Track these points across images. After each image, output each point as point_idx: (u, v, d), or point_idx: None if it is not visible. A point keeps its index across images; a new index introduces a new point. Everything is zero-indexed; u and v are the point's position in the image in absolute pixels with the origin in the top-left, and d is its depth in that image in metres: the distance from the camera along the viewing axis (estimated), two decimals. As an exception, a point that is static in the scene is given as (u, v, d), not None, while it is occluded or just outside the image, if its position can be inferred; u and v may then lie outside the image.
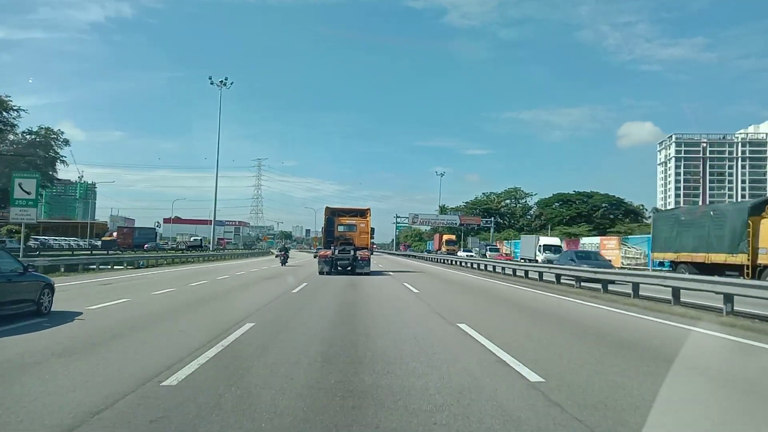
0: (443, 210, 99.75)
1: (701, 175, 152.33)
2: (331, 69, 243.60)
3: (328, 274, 22.26)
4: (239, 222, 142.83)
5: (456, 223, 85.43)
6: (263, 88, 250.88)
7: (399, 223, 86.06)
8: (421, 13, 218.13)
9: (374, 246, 38.28)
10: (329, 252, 23.28)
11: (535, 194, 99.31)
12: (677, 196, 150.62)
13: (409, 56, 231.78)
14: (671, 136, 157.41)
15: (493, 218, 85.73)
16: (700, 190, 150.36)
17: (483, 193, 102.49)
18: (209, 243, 79.78)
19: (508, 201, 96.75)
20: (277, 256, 38.74)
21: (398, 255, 75.80)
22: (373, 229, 26.80)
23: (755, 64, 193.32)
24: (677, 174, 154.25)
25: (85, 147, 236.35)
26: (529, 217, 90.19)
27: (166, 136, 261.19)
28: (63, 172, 59.55)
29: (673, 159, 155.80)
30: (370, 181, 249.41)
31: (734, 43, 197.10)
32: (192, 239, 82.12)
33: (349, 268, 22.95)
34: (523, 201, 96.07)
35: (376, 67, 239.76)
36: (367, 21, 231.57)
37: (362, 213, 26.44)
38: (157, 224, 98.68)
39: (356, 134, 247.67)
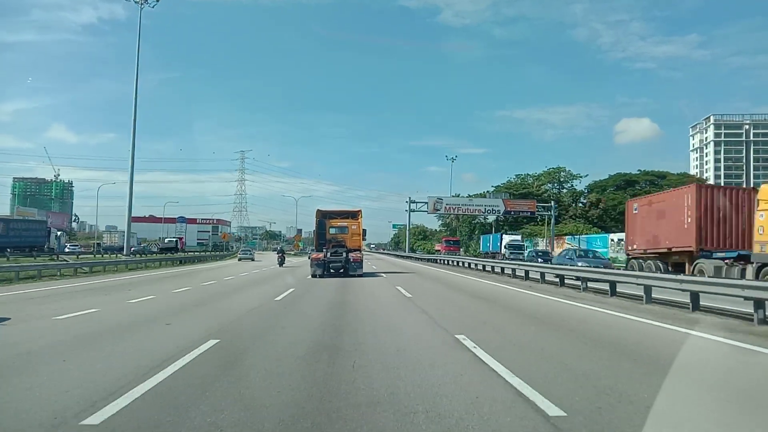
0: (483, 195, 73.34)
1: (744, 160, 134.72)
2: (324, 69, 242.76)
3: (321, 276, 22.17)
4: (217, 220, 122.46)
5: (500, 211, 63.55)
6: (257, 89, 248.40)
7: (415, 209, 63.85)
8: (414, 12, 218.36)
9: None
10: (321, 255, 23.34)
11: (585, 175, 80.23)
12: (717, 183, 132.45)
13: (403, 55, 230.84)
14: (709, 117, 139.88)
15: (553, 203, 63.79)
16: (744, 178, 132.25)
17: (516, 175, 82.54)
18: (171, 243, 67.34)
19: (548, 185, 77.34)
20: (240, 259, 44.51)
21: (412, 259, 57.46)
22: (364, 231, 26.44)
23: (747, 62, 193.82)
24: (716, 160, 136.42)
25: (76, 149, 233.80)
26: (581, 204, 70.90)
27: (161, 138, 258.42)
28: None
29: (712, 144, 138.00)
30: (365, 181, 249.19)
31: (727, 41, 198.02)
32: (166, 240, 72.80)
33: (341, 271, 22.96)
34: (569, 185, 77.07)
35: (370, 67, 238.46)
36: (361, 20, 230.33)
37: (354, 215, 26.46)
38: (74, 219, 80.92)
39: (351, 134, 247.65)
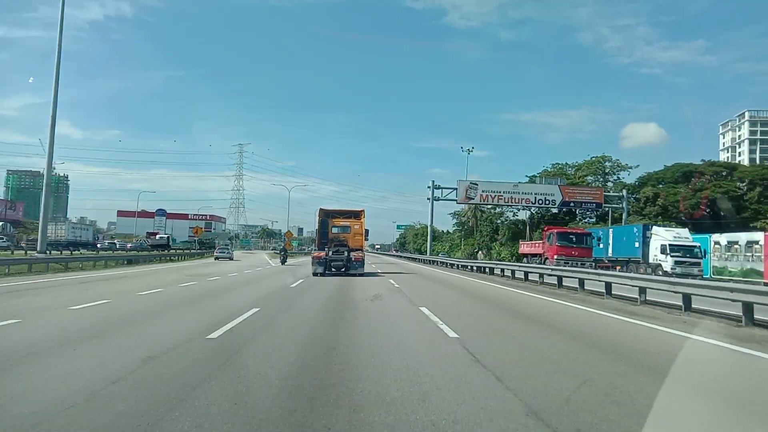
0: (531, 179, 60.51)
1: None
2: (329, 69, 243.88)
3: (321, 275, 22.24)
4: (210, 216, 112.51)
5: (555, 201, 51.26)
6: (261, 89, 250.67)
7: (440, 196, 53.06)
8: (420, 13, 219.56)
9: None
10: (323, 253, 23.38)
11: (636, 166, 68.87)
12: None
13: (408, 57, 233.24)
14: (744, 113, 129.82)
15: (625, 192, 52.50)
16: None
17: (553, 164, 68.78)
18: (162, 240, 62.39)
19: (590, 178, 64.06)
20: (218, 258, 43.79)
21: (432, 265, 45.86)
22: (367, 231, 26.23)
23: (753, 68, 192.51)
24: (752, 160, 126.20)
25: (81, 145, 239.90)
26: (634, 200, 60.36)
27: (164, 135, 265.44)
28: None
29: (747, 142, 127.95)
30: (369, 182, 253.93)
31: (733, 46, 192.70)
32: (158, 237, 68.30)
33: (342, 269, 22.94)
34: (614, 177, 63.86)
35: (375, 68, 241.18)
36: (366, 21, 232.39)
37: (356, 214, 26.52)
38: (11, 206, 72.64)
39: (355, 135, 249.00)
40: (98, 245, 59.01)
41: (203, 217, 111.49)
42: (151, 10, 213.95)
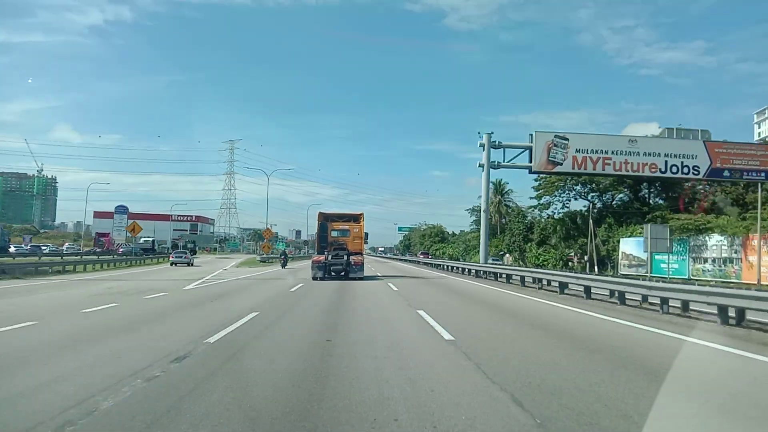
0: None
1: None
2: (329, 72, 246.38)
3: (321, 279, 22.17)
4: (196, 217, 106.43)
5: (698, 169, 33.45)
6: (261, 92, 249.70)
7: (500, 162, 34.00)
8: (420, 16, 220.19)
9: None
10: (322, 257, 23.26)
11: None
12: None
13: (408, 59, 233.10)
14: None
15: None
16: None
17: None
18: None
19: None
20: (174, 264, 39.97)
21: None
22: (366, 234, 26.16)
23: (753, 69, 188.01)
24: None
25: (81, 149, 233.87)
26: None
27: (165, 140, 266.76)
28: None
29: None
30: (369, 184, 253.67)
31: (733, 47, 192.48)
32: (143, 240, 63.86)
33: (342, 273, 22.86)
34: None
35: (375, 71, 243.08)
36: (365, 24, 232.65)
37: (355, 218, 26.37)
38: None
39: (355, 137, 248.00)
40: (12, 248, 48.66)
41: (188, 218, 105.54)
42: (150, 14, 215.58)
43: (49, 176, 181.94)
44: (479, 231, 41.82)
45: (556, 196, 51.34)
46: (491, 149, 33.38)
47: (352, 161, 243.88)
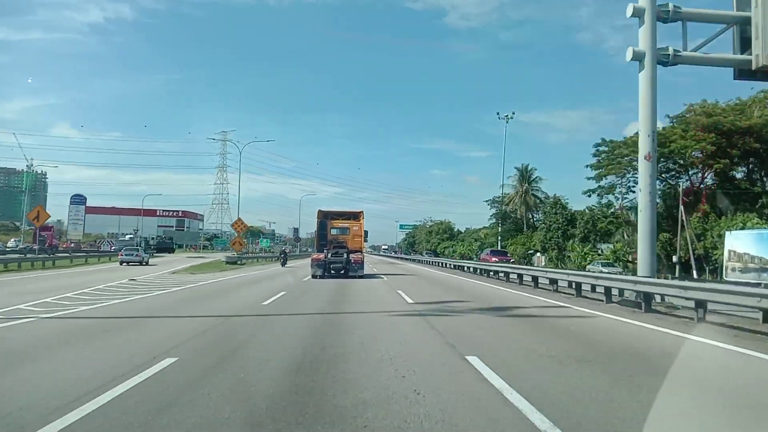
0: None
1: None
2: (329, 70, 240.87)
3: (321, 277, 22.16)
4: (183, 213, 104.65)
5: None
6: (261, 90, 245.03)
7: (684, 50, 14.28)
8: (420, 14, 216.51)
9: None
10: (322, 255, 23.32)
11: None
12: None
13: (408, 58, 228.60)
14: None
15: None
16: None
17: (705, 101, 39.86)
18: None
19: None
20: (123, 263, 36.06)
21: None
22: (366, 232, 26.19)
23: None
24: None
25: (80, 147, 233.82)
26: None
27: (164, 137, 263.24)
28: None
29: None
30: (369, 184, 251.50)
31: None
32: (127, 237, 63.21)
33: (342, 272, 22.86)
34: None
35: (375, 69, 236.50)
36: (366, 22, 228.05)
37: (355, 216, 26.31)
38: None
39: (355, 136, 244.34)
40: None
41: (175, 214, 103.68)
42: (150, 12, 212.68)
43: (39, 172, 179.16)
44: (497, 226, 34.60)
45: (625, 176, 39.03)
46: (656, 22, 15.61)
47: (352, 159, 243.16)
